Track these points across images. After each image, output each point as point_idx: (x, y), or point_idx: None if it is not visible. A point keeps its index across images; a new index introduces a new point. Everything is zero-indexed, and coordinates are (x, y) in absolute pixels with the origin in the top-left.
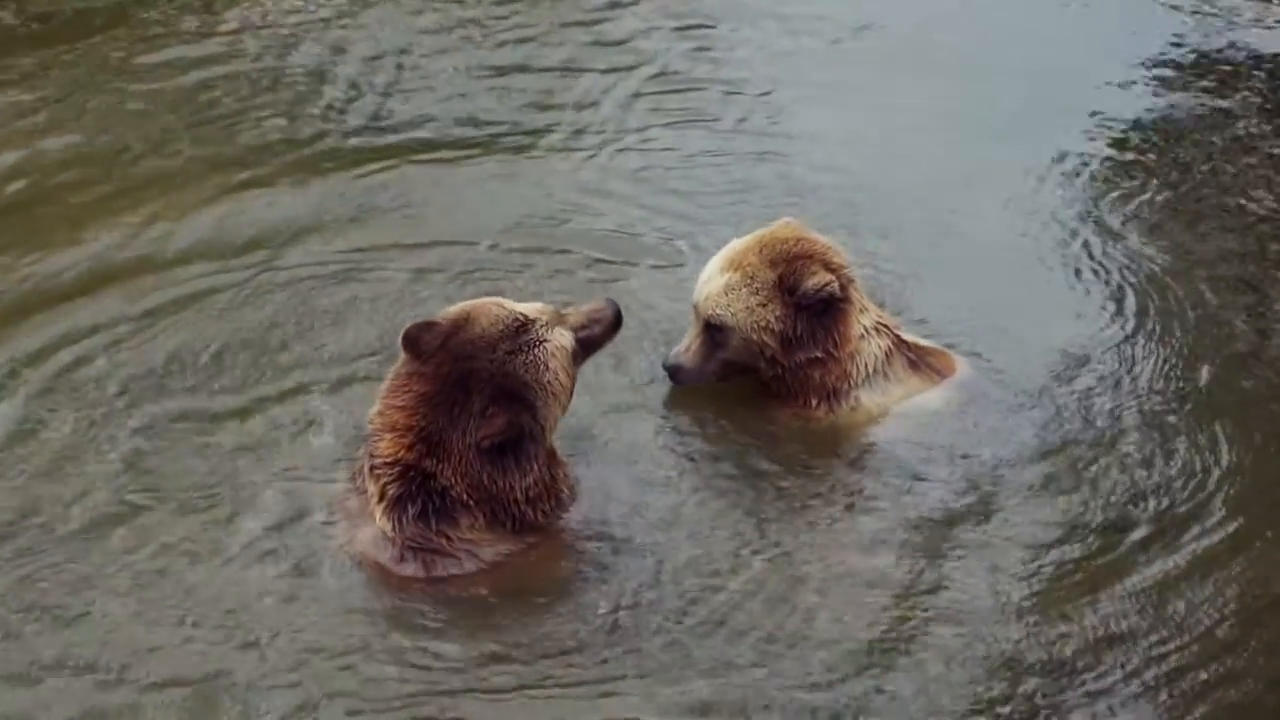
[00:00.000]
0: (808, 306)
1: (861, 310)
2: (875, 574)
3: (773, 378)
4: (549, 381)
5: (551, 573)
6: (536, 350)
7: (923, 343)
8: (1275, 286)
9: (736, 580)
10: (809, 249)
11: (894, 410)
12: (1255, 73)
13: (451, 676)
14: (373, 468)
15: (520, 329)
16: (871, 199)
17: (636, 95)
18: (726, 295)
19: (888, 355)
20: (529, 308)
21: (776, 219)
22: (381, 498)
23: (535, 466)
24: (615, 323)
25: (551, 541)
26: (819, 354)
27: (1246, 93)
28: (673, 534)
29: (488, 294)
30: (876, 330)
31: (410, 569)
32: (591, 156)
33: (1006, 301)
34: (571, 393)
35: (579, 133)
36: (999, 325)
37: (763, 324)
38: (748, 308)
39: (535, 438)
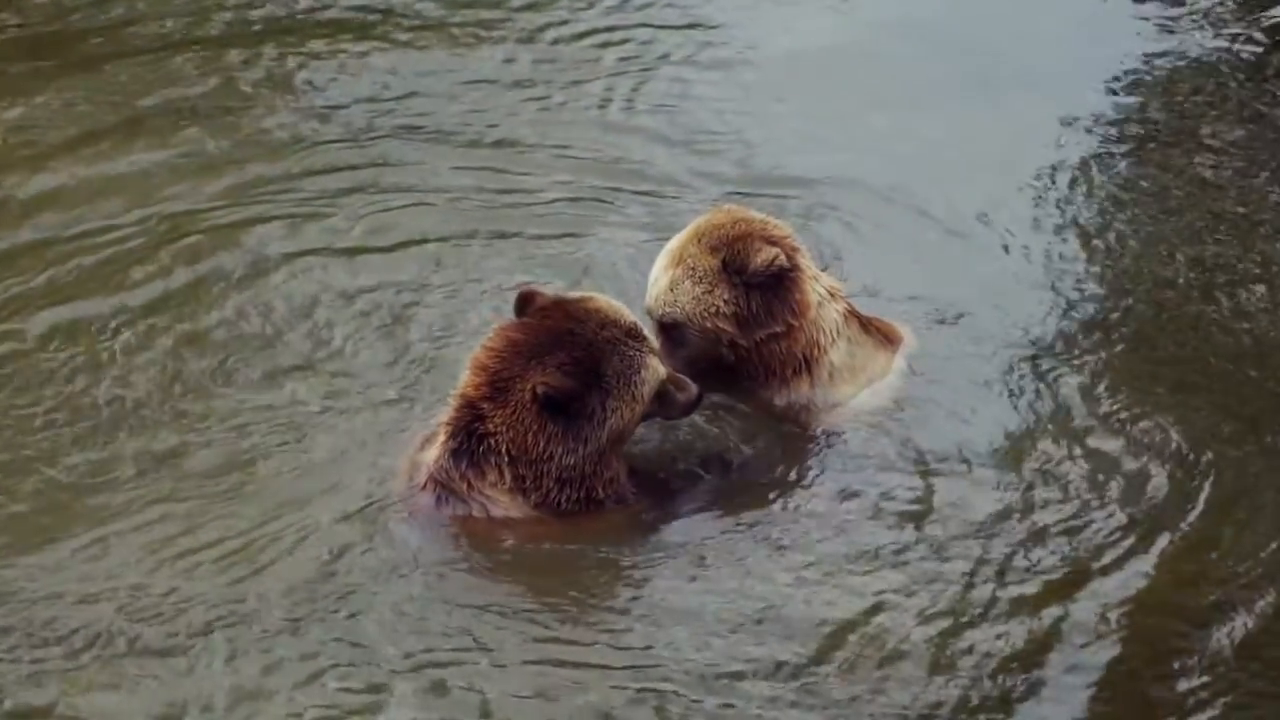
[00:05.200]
0: (759, 284)
1: (813, 277)
2: (863, 565)
3: (737, 362)
4: (634, 381)
5: (554, 545)
6: (638, 355)
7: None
8: (1247, 266)
9: (720, 570)
10: (747, 228)
11: (868, 394)
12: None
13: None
14: (453, 400)
15: (635, 333)
16: (838, 170)
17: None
18: (673, 292)
19: (845, 319)
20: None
21: (719, 205)
22: (445, 429)
23: (581, 450)
24: (691, 406)
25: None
26: (779, 328)
27: (1218, 64)
28: (666, 528)
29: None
30: (831, 295)
31: (427, 499)
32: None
33: (974, 279)
34: (639, 415)
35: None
36: (965, 303)
37: (713, 310)
38: (695, 298)
39: (594, 421)
